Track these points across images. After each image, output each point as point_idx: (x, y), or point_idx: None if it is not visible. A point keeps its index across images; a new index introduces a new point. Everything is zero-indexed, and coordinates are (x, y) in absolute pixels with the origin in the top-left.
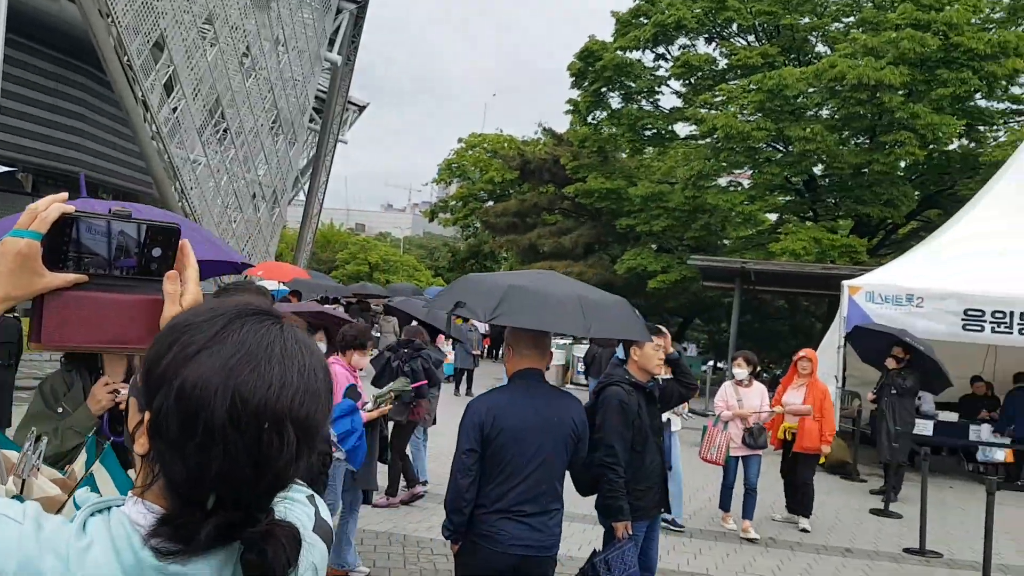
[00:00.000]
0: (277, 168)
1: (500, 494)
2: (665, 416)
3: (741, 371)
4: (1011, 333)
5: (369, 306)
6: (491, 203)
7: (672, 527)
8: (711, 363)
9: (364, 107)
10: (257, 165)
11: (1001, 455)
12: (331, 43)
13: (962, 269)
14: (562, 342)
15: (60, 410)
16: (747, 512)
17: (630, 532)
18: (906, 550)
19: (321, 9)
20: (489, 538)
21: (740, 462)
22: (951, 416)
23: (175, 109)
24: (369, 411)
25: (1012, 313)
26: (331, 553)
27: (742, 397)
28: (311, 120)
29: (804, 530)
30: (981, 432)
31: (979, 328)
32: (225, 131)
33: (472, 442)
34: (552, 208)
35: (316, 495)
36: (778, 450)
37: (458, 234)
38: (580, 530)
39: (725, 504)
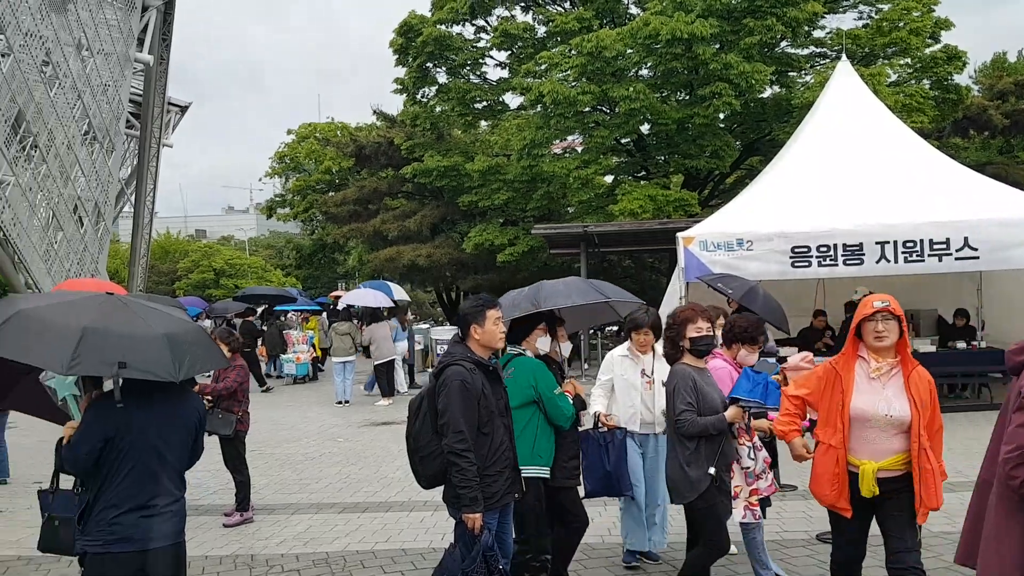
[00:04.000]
0: (97, 180)
1: None
2: (644, 413)
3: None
4: (836, 265)
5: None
6: (331, 193)
7: (646, 559)
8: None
9: (186, 107)
10: (75, 179)
11: None
12: (140, 43)
13: (785, 209)
14: (423, 326)
15: None
16: None
17: (480, 525)
18: None
19: (125, 8)
20: None
21: None
22: (791, 351)
23: None
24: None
25: (835, 246)
26: None
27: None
28: (129, 126)
29: None
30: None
31: (807, 264)
32: (34, 146)
33: None
34: (393, 192)
35: None
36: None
37: (302, 229)
38: (444, 519)
39: None
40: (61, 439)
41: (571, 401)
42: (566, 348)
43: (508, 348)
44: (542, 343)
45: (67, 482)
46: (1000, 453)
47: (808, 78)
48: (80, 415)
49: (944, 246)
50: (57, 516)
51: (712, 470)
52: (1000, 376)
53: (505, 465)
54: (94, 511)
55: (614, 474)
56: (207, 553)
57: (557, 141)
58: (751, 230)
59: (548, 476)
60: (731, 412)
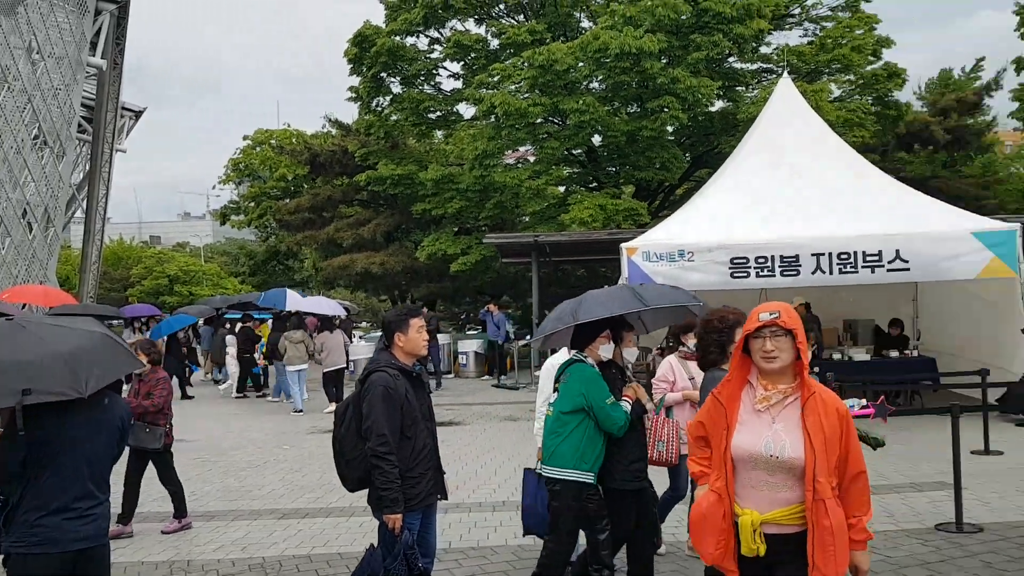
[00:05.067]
0: (46, 185)
1: None
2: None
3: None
4: (774, 276)
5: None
6: (285, 201)
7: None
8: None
9: (141, 112)
10: (24, 184)
11: None
12: (93, 47)
13: (725, 221)
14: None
15: None
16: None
17: (400, 525)
18: None
19: (77, 12)
20: None
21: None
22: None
23: None
24: None
25: (773, 257)
26: None
27: (695, 375)
28: (81, 131)
29: None
30: None
31: (745, 275)
32: None
33: None
34: (348, 200)
35: None
36: None
37: (257, 236)
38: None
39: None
40: None
41: (629, 407)
42: (630, 354)
43: (571, 353)
44: (604, 350)
45: None
46: None
47: (755, 93)
48: None
49: (876, 258)
50: None
51: None
52: (930, 384)
53: (428, 467)
54: (18, 513)
55: (547, 517)
56: (143, 559)
57: (510, 151)
58: (692, 241)
59: (592, 481)
60: None
